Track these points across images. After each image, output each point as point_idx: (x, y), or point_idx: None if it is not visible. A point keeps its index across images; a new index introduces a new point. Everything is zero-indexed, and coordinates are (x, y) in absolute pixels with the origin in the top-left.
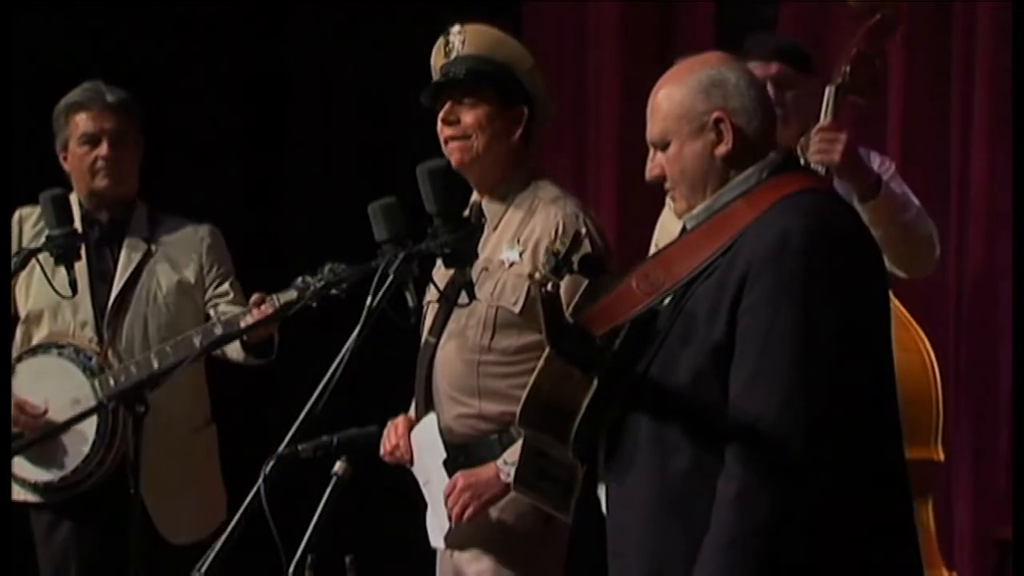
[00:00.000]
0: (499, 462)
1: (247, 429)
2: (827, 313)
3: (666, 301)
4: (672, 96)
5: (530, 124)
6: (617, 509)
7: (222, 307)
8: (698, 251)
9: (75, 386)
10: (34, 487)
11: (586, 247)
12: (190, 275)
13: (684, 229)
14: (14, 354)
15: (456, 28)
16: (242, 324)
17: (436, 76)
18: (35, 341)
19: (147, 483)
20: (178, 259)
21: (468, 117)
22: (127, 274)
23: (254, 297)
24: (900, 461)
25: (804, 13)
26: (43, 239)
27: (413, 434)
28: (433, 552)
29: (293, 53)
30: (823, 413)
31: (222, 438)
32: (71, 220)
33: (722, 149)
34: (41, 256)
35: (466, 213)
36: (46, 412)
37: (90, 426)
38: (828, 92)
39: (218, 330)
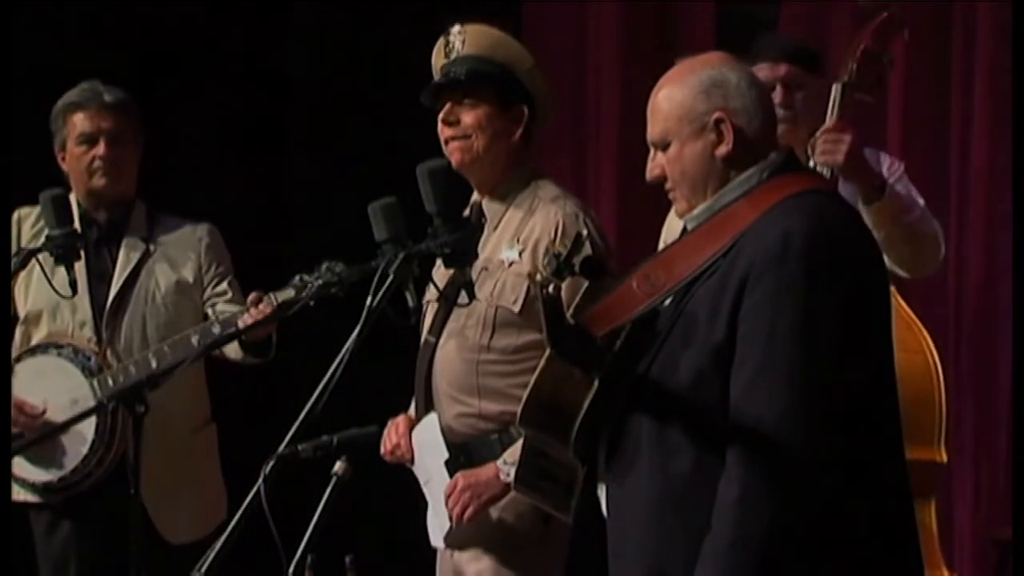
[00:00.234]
0: (499, 462)
1: (247, 429)
2: (828, 315)
3: (667, 302)
4: (673, 96)
5: (530, 124)
6: (617, 510)
7: (220, 306)
8: (699, 251)
9: (74, 386)
10: (33, 487)
11: (587, 249)
12: (188, 274)
13: (685, 229)
14: (13, 354)
15: (456, 28)
16: (240, 323)
17: (436, 76)
18: (34, 341)
19: (147, 483)
20: (177, 258)
21: (468, 117)
22: (126, 274)
23: (252, 296)
24: (901, 462)
25: (805, 13)
26: (43, 239)
27: (414, 433)
28: (433, 552)
29: (293, 53)
30: (824, 415)
31: (222, 438)
32: (71, 220)
33: (723, 150)
34: (41, 256)
35: (466, 213)
36: (45, 412)
37: (89, 426)
38: (835, 90)
39: (216, 329)
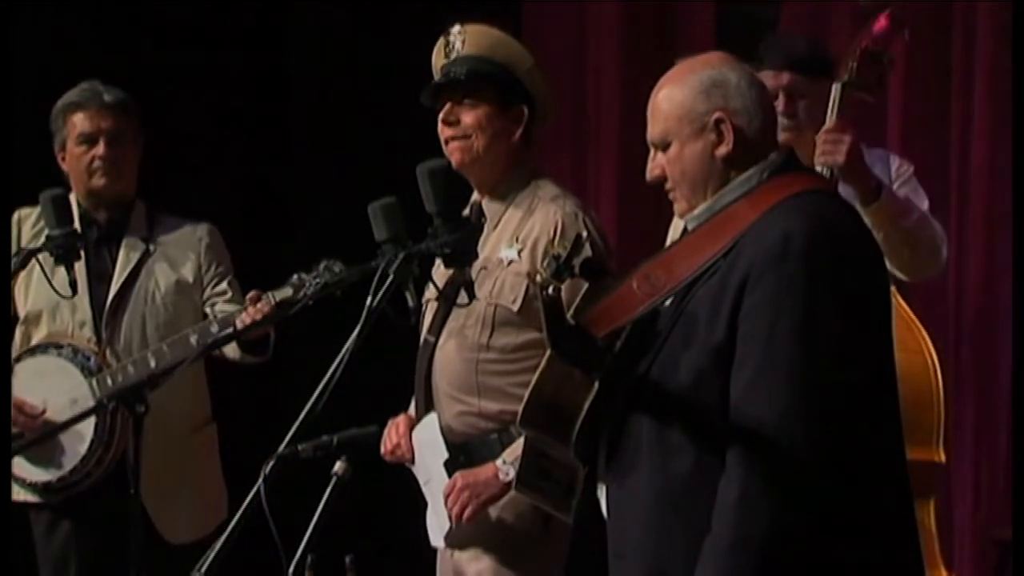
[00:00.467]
0: (498, 462)
1: (247, 429)
2: (829, 316)
3: (667, 302)
4: (673, 96)
5: (530, 124)
6: (618, 510)
7: (220, 306)
8: (699, 252)
9: (73, 386)
10: (33, 487)
11: (586, 251)
12: (188, 274)
13: (685, 230)
14: (13, 354)
15: (456, 28)
16: (238, 322)
17: (436, 76)
18: (34, 341)
19: (147, 483)
20: (176, 258)
21: (468, 117)
22: (125, 274)
23: (250, 294)
24: (901, 463)
25: (805, 13)
26: (43, 239)
27: (414, 433)
28: (433, 552)
29: (293, 53)
30: (825, 416)
31: (222, 438)
32: (71, 220)
33: (723, 150)
34: (41, 256)
35: (466, 213)
36: (44, 412)
37: (88, 426)
38: (835, 90)
39: (214, 328)
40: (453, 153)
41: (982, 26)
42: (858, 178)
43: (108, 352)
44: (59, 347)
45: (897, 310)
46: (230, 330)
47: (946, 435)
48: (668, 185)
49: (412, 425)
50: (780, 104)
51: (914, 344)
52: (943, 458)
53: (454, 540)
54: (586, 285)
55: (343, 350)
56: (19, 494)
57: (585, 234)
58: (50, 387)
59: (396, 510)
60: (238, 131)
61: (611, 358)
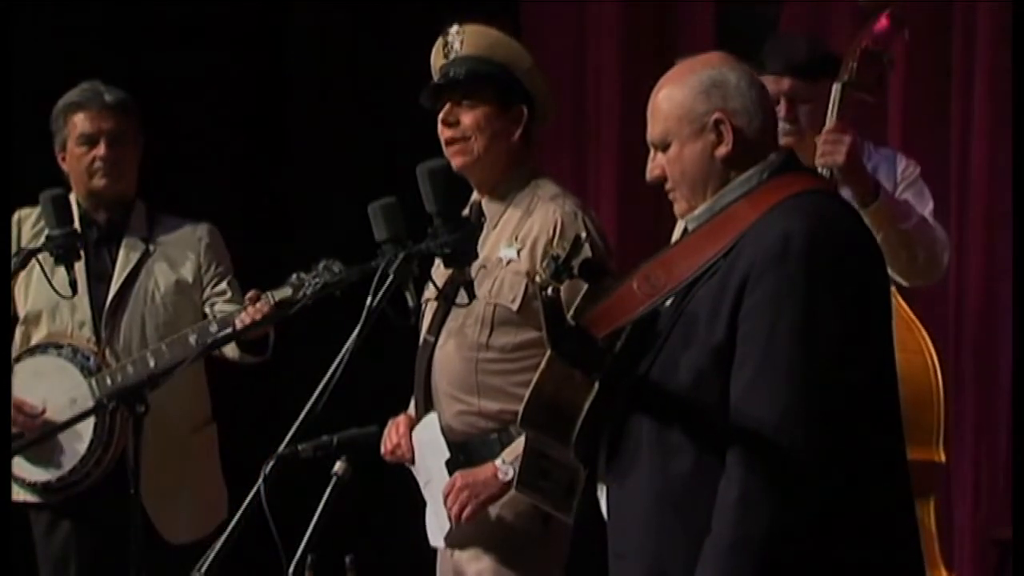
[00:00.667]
0: (497, 461)
1: (247, 429)
2: (829, 316)
3: (667, 302)
4: (672, 97)
5: (530, 124)
6: (618, 510)
7: (220, 306)
8: (699, 252)
9: (73, 386)
10: (33, 487)
11: (586, 251)
12: (188, 274)
13: (685, 230)
14: (13, 354)
15: (455, 28)
16: (237, 322)
17: (436, 77)
18: (34, 341)
19: (147, 483)
20: (176, 258)
21: (468, 118)
22: (125, 274)
23: (250, 294)
24: (902, 463)
25: (805, 13)
26: (43, 239)
27: (414, 433)
28: (433, 552)
29: (293, 53)
30: (825, 416)
31: (222, 438)
32: (71, 220)
33: (722, 150)
34: (41, 256)
35: (466, 213)
36: (44, 412)
37: (87, 426)
38: (835, 90)
39: (213, 328)
40: (453, 154)
41: (982, 26)
42: (856, 179)
43: (108, 352)
44: (59, 347)
45: (897, 310)
46: (229, 330)
47: (946, 435)
48: (668, 185)
49: (412, 425)
50: (781, 110)
51: (914, 344)
52: (943, 458)
53: (454, 540)
54: (586, 286)
55: (343, 350)
56: (19, 494)
57: (584, 234)
58: (50, 387)
59: (396, 510)
60: (238, 131)
61: (611, 358)
